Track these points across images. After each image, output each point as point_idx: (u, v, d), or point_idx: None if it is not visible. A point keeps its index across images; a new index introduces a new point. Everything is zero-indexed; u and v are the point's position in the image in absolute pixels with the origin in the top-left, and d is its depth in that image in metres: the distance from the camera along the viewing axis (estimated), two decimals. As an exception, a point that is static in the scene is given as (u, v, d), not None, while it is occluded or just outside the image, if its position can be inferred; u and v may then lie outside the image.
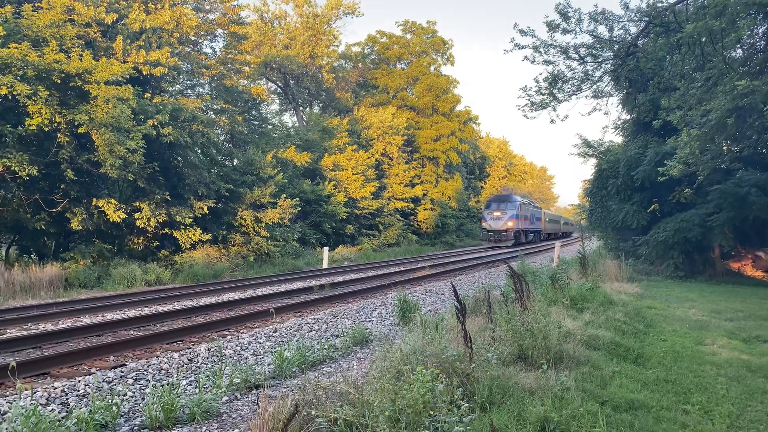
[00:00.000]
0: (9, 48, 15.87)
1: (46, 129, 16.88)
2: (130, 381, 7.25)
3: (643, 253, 22.04)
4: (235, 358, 8.56)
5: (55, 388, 6.69)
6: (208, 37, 28.91)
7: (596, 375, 6.94)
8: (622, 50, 15.64)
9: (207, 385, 6.75)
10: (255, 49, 39.75)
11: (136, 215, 20.30)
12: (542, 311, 8.21)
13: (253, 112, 32.28)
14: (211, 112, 26.31)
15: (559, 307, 10.53)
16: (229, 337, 10.23)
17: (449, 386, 5.29)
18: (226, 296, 15.58)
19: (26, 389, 6.16)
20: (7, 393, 6.83)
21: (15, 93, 15.75)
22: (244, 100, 30.08)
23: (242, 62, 31.39)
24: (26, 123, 16.45)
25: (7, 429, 5.27)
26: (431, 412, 4.89)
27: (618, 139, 28.37)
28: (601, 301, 12.19)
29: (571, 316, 10.10)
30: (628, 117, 26.04)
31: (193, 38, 25.85)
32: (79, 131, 17.60)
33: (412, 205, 47.55)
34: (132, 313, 12.84)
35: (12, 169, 16.45)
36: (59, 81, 16.77)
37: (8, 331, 10.70)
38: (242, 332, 10.74)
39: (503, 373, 6.21)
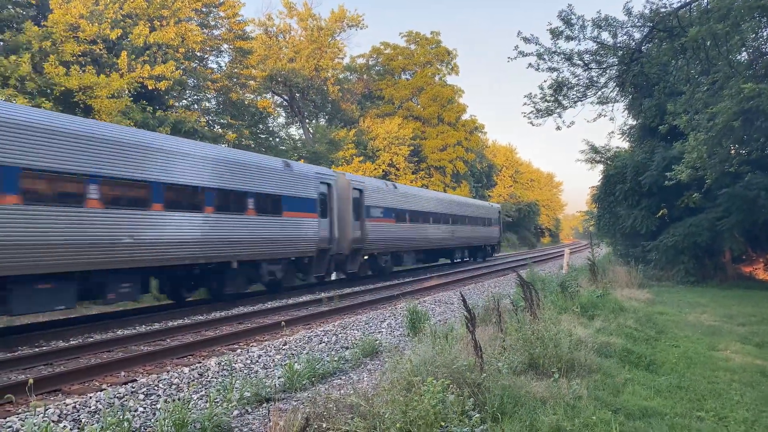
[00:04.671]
0: (8, 59, 16.06)
1: None
2: (141, 396, 7.25)
3: (653, 258, 21.92)
4: (245, 371, 8.55)
5: (67, 405, 6.70)
6: (214, 53, 29.18)
7: (608, 383, 6.89)
8: (626, 56, 15.59)
9: (218, 400, 6.74)
10: (260, 63, 39.92)
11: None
12: (552, 319, 8.17)
13: (260, 126, 32.41)
14: (218, 127, 26.44)
15: (570, 314, 10.47)
16: (239, 350, 10.23)
17: (460, 397, 5.26)
18: (236, 310, 15.59)
19: (39, 406, 6.18)
20: (20, 410, 6.86)
21: None
22: (251, 113, 30.22)
23: (248, 76, 31.60)
24: None
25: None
26: (442, 423, 4.87)
27: (624, 145, 28.35)
28: (611, 307, 12.12)
29: (581, 323, 10.04)
30: (635, 122, 26.01)
31: (198, 54, 26.08)
32: None
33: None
34: (142, 328, 12.87)
35: None
36: (60, 96, 16.98)
37: (20, 348, 10.75)
38: (252, 345, 10.74)
39: (514, 383, 6.17)
